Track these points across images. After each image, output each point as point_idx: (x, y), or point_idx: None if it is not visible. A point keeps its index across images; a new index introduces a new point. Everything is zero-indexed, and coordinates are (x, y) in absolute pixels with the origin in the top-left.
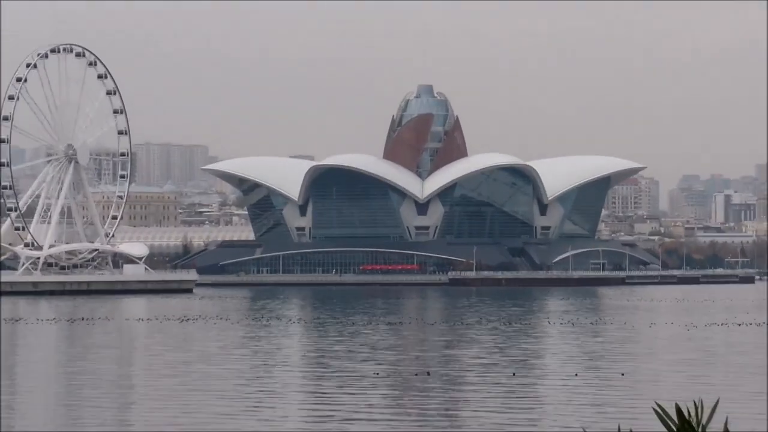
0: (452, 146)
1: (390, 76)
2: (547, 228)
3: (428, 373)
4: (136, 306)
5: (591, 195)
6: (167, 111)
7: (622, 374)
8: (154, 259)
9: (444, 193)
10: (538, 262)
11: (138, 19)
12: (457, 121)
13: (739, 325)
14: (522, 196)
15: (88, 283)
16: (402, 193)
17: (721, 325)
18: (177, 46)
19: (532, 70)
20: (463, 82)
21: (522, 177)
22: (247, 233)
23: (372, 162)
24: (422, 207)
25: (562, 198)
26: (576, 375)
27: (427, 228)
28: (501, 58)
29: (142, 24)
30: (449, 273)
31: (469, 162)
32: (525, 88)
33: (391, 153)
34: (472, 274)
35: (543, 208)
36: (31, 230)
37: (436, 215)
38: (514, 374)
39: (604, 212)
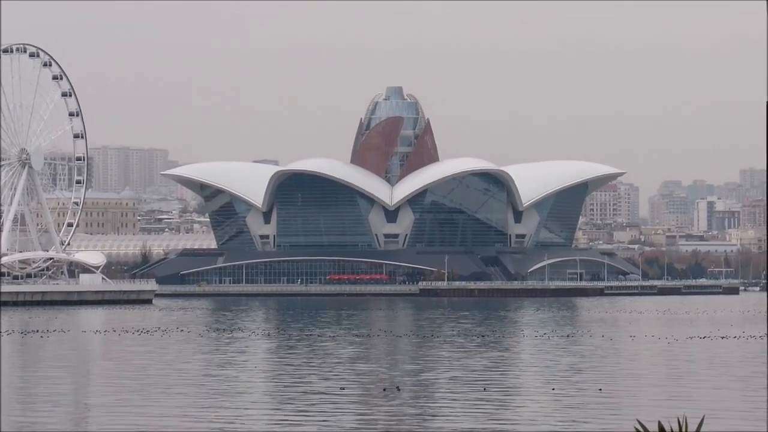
0: (423, 151)
1: (358, 77)
2: (522, 236)
3: (398, 389)
4: (92, 317)
5: (568, 202)
6: (125, 113)
7: (600, 389)
8: (112, 269)
9: (414, 200)
10: (513, 272)
11: (95, 18)
12: (428, 124)
13: (723, 338)
14: (496, 202)
15: (43, 293)
16: (370, 200)
17: (704, 338)
18: (136, 46)
19: (507, 73)
20: (434, 84)
21: (496, 183)
22: (208, 241)
23: (339, 167)
24: (391, 214)
25: (537, 205)
26: (553, 390)
27: (396, 236)
28: (474, 60)
29: (99, 23)
30: (420, 283)
31: (441, 167)
32: (499, 90)
33: (359, 157)
34: (443, 285)
35: (518, 216)
36: None
37: (405, 223)
38: (485, 389)
39: (581, 220)
